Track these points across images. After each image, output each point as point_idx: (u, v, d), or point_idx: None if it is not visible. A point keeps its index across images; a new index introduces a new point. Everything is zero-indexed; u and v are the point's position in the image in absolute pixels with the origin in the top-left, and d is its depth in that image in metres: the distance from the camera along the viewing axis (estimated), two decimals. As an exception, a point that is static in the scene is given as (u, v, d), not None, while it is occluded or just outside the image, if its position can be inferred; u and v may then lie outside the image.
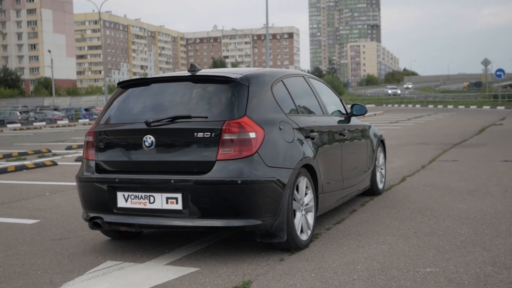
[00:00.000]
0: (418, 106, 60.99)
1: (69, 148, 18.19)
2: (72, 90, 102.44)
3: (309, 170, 5.39)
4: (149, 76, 5.51)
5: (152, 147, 4.89)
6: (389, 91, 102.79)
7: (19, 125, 43.28)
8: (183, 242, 5.55)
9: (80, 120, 49.97)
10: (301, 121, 5.53)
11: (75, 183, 10.15)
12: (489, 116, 33.04)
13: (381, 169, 8.14)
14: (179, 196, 4.75)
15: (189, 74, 5.25)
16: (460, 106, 52.20)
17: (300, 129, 5.41)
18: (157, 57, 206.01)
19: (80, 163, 13.60)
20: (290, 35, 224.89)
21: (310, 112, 6.01)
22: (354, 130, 6.94)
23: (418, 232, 5.72)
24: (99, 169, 5.18)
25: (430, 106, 58.16)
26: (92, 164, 5.22)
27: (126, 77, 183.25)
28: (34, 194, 9.08)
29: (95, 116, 52.33)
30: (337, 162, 6.18)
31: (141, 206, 4.89)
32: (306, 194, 5.33)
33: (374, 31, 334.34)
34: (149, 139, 4.89)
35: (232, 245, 5.41)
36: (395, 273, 4.46)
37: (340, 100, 7.12)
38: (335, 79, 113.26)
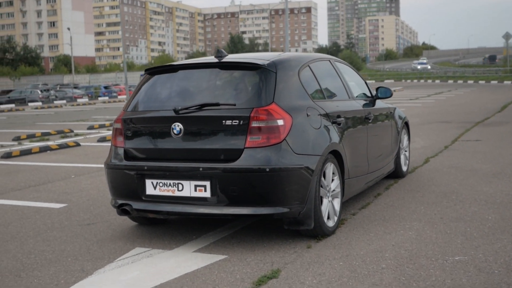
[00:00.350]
0: (437, 81, 60.45)
1: (91, 128, 18.32)
2: (91, 67, 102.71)
3: (335, 156, 5.38)
4: (176, 63, 5.50)
5: (180, 134, 4.92)
6: (418, 66, 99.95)
7: (40, 103, 43.60)
8: (210, 228, 5.59)
9: (99, 98, 50.22)
10: (327, 107, 5.50)
11: (98, 165, 10.33)
12: (510, 92, 32.68)
13: (405, 151, 8.10)
14: (207, 184, 4.77)
15: (216, 60, 5.24)
16: (480, 82, 51.64)
17: (327, 115, 5.40)
18: (174, 33, 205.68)
19: (102, 144, 13.75)
20: (308, 10, 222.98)
21: (336, 96, 5.98)
22: (379, 113, 6.90)
23: (445, 218, 5.70)
24: (127, 156, 5.22)
25: (450, 81, 57.58)
26: (121, 151, 5.26)
27: (144, 54, 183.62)
28: (60, 177, 9.18)
29: (114, 94, 52.60)
30: (363, 147, 6.17)
31: (170, 193, 4.92)
32: (332, 180, 5.33)
33: (393, 4, 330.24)
34: (177, 126, 4.91)
35: (258, 231, 5.43)
36: (423, 261, 4.46)
37: (365, 82, 7.07)
38: (353, 54, 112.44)
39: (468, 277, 4.10)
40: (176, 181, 4.89)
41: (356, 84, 6.76)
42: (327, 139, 5.23)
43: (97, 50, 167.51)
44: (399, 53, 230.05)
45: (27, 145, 14.42)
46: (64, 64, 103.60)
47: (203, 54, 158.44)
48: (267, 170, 4.64)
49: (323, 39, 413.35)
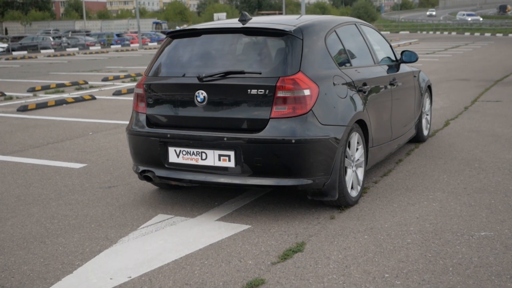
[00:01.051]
0: (454, 33, 59.56)
1: (105, 79, 18.23)
2: (102, 13, 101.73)
3: (360, 124, 5.30)
4: (199, 26, 5.38)
5: (204, 102, 4.84)
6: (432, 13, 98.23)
7: (52, 51, 43.37)
8: (231, 195, 5.57)
9: (112, 46, 49.88)
10: (353, 74, 5.39)
11: (115, 121, 10.30)
12: (529, 47, 32.17)
13: (427, 115, 7.99)
14: (231, 153, 4.72)
15: (241, 25, 5.11)
16: (498, 34, 50.79)
17: (353, 83, 5.29)
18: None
19: (117, 98, 13.69)
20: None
21: (362, 62, 5.85)
22: (403, 78, 6.76)
23: (468, 188, 5.64)
24: (149, 122, 5.16)
25: (467, 33, 56.72)
26: (143, 117, 5.19)
27: (156, 0, 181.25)
28: (77, 134, 9.16)
29: (127, 42, 52.20)
30: (387, 114, 6.07)
31: (193, 162, 4.88)
32: (357, 149, 5.27)
33: None
34: (201, 94, 4.83)
35: (281, 199, 5.41)
36: (449, 236, 4.42)
37: (390, 46, 6.92)
38: (368, 3, 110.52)
39: (495, 254, 4.07)
40: (200, 150, 4.84)
41: (381, 47, 6.61)
42: (353, 109, 5.14)
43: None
44: (414, 3, 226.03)
45: (42, 97, 14.40)
46: (75, 9, 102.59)
47: (216, 1, 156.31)
48: (293, 141, 4.58)
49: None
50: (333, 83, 4.99)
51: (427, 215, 4.91)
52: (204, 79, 4.82)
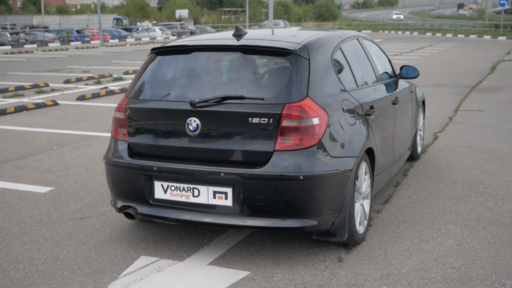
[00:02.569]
0: (415, 33, 59.80)
1: (68, 81, 17.34)
2: (61, 8, 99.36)
3: (368, 152, 4.75)
4: (189, 42, 4.73)
5: (197, 131, 4.20)
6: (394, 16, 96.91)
7: (9, 47, 41.79)
8: (222, 230, 4.94)
9: (72, 43, 48.43)
10: (361, 97, 4.83)
11: (81, 133, 9.56)
12: (493, 48, 32.29)
13: (420, 131, 7.49)
14: (229, 190, 4.10)
15: (238, 43, 4.48)
16: (459, 35, 51.11)
17: (361, 107, 4.74)
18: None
19: (82, 103, 12.89)
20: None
21: (366, 82, 5.29)
22: (403, 96, 6.24)
23: (481, 220, 5.14)
24: (132, 152, 4.49)
25: (428, 34, 56.98)
26: (124, 146, 4.53)
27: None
28: (41, 148, 8.39)
29: (87, 39, 50.80)
30: (390, 136, 5.53)
31: (183, 199, 4.24)
32: (363, 180, 4.71)
33: None
34: (193, 122, 4.19)
35: (278, 236, 4.81)
36: (478, 286, 3.89)
37: (389, 60, 6.38)
38: (330, 2, 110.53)
39: (536, 312, 3.55)
40: (192, 186, 4.21)
41: (380, 62, 6.07)
42: (363, 136, 4.58)
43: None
44: (374, 1, 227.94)
45: (1, 101, 13.49)
46: (33, 3, 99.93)
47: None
48: (301, 178, 3.99)
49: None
50: (342, 109, 4.41)
51: (446, 256, 4.38)
52: (197, 105, 4.19)
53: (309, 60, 4.30)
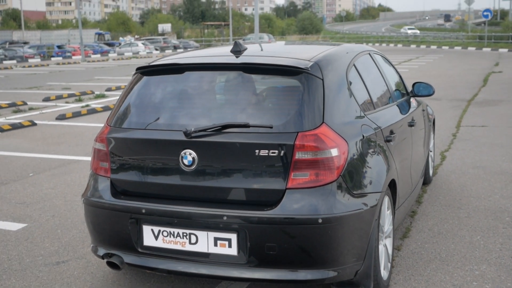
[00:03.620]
0: (399, 45, 59.60)
1: (47, 99, 16.54)
2: (42, 23, 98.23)
3: (390, 184, 4.10)
4: (180, 60, 4.05)
5: (194, 166, 3.52)
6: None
7: (-13, 63, 40.86)
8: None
9: (53, 59, 47.51)
10: (379, 120, 4.19)
11: (60, 157, 8.82)
12: (480, 60, 31.96)
13: (430, 151, 6.86)
14: (233, 237, 3.42)
15: (238, 60, 3.81)
16: (443, 47, 50.93)
17: (381, 132, 4.09)
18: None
19: (61, 123, 12.14)
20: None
21: (383, 103, 4.65)
22: (417, 116, 5.61)
23: (517, 258, 4.51)
24: (116, 191, 3.80)
25: (413, 46, 56.78)
26: (106, 183, 3.83)
27: (97, 9, 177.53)
28: (15, 175, 7.65)
29: (69, 54, 49.89)
30: (408, 162, 4.89)
31: (178, 246, 3.55)
32: (386, 216, 4.05)
33: None
34: (189, 155, 3.51)
35: (288, 286, 4.12)
36: None
37: (400, 76, 5.75)
38: (312, 15, 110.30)
39: None
40: (188, 231, 3.52)
41: (392, 79, 5.44)
42: (385, 167, 3.93)
43: (48, 4, 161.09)
44: (355, 14, 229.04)
45: (-26, 122, 12.70)
46: (13, 18, 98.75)
47: (159, 12, 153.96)
48: (320, 221, 3.32)
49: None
50: (363, 136, 3.76)
51: (487, 307, 3.73)
52: (193, 135, 3.51)
53: (322, 79, 3.64)
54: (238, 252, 3.42)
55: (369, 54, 4.87)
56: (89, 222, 3.91)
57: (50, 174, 7.65)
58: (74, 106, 15.27)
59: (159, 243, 3.59)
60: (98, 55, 50.68)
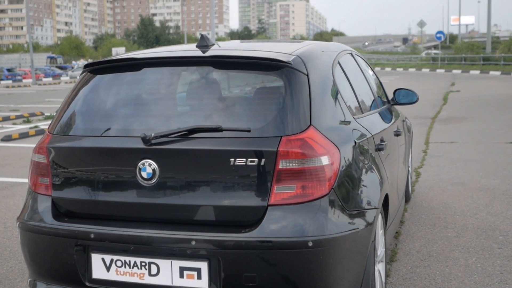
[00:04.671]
0: (355, 68, 59.83)
1: (-8, 121, 15.61)
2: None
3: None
4: (137, 55, 3.41)
5: (154, 180, 2.88)
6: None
7: None
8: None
9: (2, 82, 46.01)
10: (369, 125, 3.65)
11: (3, 179, 8.03)
12: (436, 81, 32.12)
13: (409, 166, 6.35)
14: (203, 266, 2.78)
15: (207, 54, 3.21)
16: (398, 69, 51.33)
17: (372, 138, 3.54)
18: (82, 13, 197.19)
19: (7, 144, 11.28)
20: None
21: (368, 107, 4.10)
22: (400, 126, 5.10)
23: (522, 282, 3.99)
24: (58, 212, 3.12)
25: (368, 68, 57.06)
26: (46, 202, 3.15)
27: (49, 34, 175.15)
28: (-50, 200, 6.83)
29: (19, 77, 48.45)
30: (395, 175, 4.35)
31: (135, 279, 2.89)
32: (379, 237, 3.48)
33: None
34: (148, 166, 2.87)
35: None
36: None
37: (380, 82, 5.23)
38: (266, 39, 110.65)
39: None
40: (148, 259, 2.86)
41: (372, 83, 4.90)
42: (379, 180, 3.37)
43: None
44: (309, 39, 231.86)
45: None
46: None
47: (112, 36, 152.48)
48: (309, 244, 2.71)
49: (234, 24, 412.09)
50: (355, 142, 3.19)
51: None
52: (154, 141, 2.88)
53: (307, 75, 3.07)
54: (210, 285, 2.79)
55: (351, 54, 4.33)
56: (26, 251, 3.22)
57: (-11, 198, 6.86)
58: (22, 127, 14.38)
59: (112, 276, 2.93)
60: (50, 79, 49.41)
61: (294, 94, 2.95)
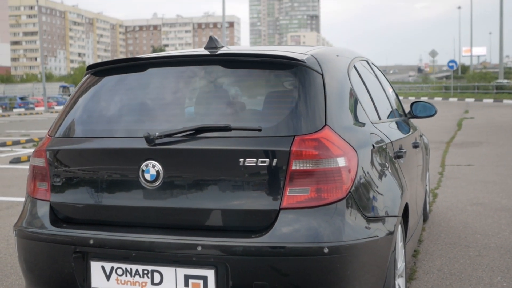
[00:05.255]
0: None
1: (3, 145, 15.53)
2: (6, 77, 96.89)
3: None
4: (142, 56, 3.23)
5: (158, 182, 2.69)
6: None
7: None
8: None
9: (15, 110, 46.33)
10: (387, 131, 3.45)
11: (10, 199, 7.87)
12: (449, 108, 31.91)
13: (426, 185, 6.11)
14: (210, 274, 2.57)
15: (216, 52, 3.03)
16: (410, 97, 51.15)
17: (391, 144, 3.34)
18: (95, 44, 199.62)
19: (16, 166, 11.15)
20: (231, 24, 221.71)
21: (386, 115, 3.90)
22: (418, 139, 4.90)
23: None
24: (56, 218, 2.94)
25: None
26: (44, 208, 2.96)
27: (63, 65, 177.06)
28: (-47, 219, 6.67)
29: (31, 105, 48.75)
30: (414, 188, 4.13)
31: (137, 289, 2.69)
32: (399, 250, 3.25)
33: (313, 21, 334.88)
34: (152, 168, 2.68)
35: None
36: None
37: (396, 94, 5.04)
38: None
39: None
40: (150, 267, 2.66)
41: (389, 93, 4.71)
42: (399, 187, 3.16)
43: (13, 60, 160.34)
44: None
45: None
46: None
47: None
48: (325, 251, 2.50)
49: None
50: (373, 146, 2.99)
51: None
52: (157, 141, 2.69)
53: (322, 74, 2.88)
54: (218, 294, 2.57)
55: (367, 61, 4.15)
56: (22, 259, 3.02)
57: (-6, 217, 6.69)
58: (31, 150, 14.27)
59: (112, 285, 2.72)
60: (62, 107, 49.63)
61: (308, 93, 2.76)
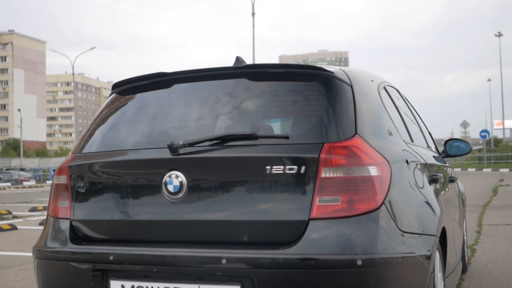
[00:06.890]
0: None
1: (34, 209, 15.56)
2: (41, 151, 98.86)
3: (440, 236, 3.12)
4: (168, 72, 3.17)
5: (181, 194, 2.57)
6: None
7: (-18, 186, 40.14)
8: None
9: (48, 181, 46.91)
10: (422, 153, 3.30)
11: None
12: (483, 178, 31.36)
13: (464, 235, 5.86)
14: (236, 290, 2.41)
15: (241, 67, 2.96)
16: (444, 169, 50.54)
17: (426, 165, 3.18)
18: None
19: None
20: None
21: (418, 141, 3.76)
22: (454, 177, 4.71)
23: None
24: (76, 236, 2.82)
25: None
26: (64, 226, 2.86)
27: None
28: (-21, 270, 6.58)
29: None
30: (452, 222, 3.92)
31: (158, 308, 2.53)
32: (439, 278, 3.04)
33: (341, 63, 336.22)
34: (175, 178, 2.57)
35: None
36: None
37: (429, 132, 4.89)
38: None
39: None
40: (172, 285, 2.50)
41: (422, 126, 4.57)
42: (435, 208, 2.99)
43: (49, 135, 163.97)
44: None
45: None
46: (13, 148, 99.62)
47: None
48: (359, 263, 2.33)
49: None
50: (406, 161, 2.84)
51: None
52: (181, 150, 2.59)
53: (351, 86, 2.78)
54: (244, 313, 2.40)
55: (398, 91, 4.04)
56: (39, 281, 2.88)
57: (20, 269, 6.59)
58: (62, 214, 14.26)
59: (132, 305, 2.57)
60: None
61: (337, 103, 2.66)
